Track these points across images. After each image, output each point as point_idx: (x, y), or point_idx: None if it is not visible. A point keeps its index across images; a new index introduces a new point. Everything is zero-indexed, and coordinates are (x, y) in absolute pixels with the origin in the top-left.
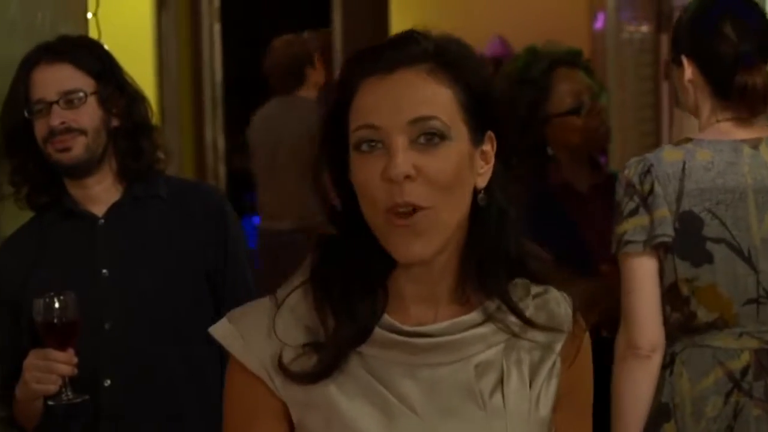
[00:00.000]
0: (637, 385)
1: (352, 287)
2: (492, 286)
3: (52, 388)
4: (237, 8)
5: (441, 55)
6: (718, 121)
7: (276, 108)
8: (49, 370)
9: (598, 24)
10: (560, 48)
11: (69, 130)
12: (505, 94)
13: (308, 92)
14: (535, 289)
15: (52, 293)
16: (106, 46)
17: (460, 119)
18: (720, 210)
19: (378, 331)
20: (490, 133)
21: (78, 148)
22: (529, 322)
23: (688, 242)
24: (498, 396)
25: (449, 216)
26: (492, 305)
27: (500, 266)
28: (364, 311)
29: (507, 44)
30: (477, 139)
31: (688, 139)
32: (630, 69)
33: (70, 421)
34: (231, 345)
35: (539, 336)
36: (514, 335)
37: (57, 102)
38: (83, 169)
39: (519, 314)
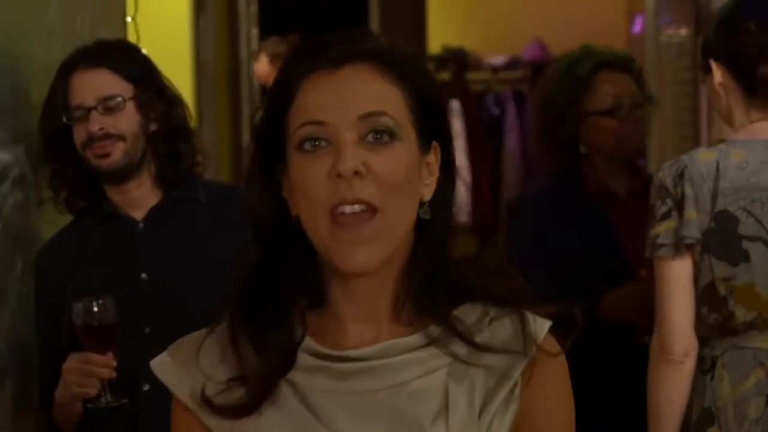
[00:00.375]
0: (672, 390)
1: (269, 313)
2: (431, 306)
3: (92, 391)
4: (274, 13)
5: (390, 53)
6: (751, 122)
7: None
8: (88, 373)
9: (637, 27)
10: (615, 51)
11: (108, 136)
12: (542, 92)
13: None
14: (495, 311)
15: (91, 297)
16: (144, 50)
17: (409, 121)
18: (755, 208)
19: (302, 356)
20: (435, 144)
21: (117, 153)
22: (478, 346)
23: (724, 241)
24: (441, 425)
25: (397, 222)
26: (437, 328)
27: (440, 286)
28: (282, 337)
29: (545, 47)
30: (424, 147)
31: (721, 141)
32: (668, 72)
33: (108, 424)
34: (166, 377)
35: (494, 361)
36: (460, 360)
37: (95, 108)
38: (122, 174)
39: (465, 338)
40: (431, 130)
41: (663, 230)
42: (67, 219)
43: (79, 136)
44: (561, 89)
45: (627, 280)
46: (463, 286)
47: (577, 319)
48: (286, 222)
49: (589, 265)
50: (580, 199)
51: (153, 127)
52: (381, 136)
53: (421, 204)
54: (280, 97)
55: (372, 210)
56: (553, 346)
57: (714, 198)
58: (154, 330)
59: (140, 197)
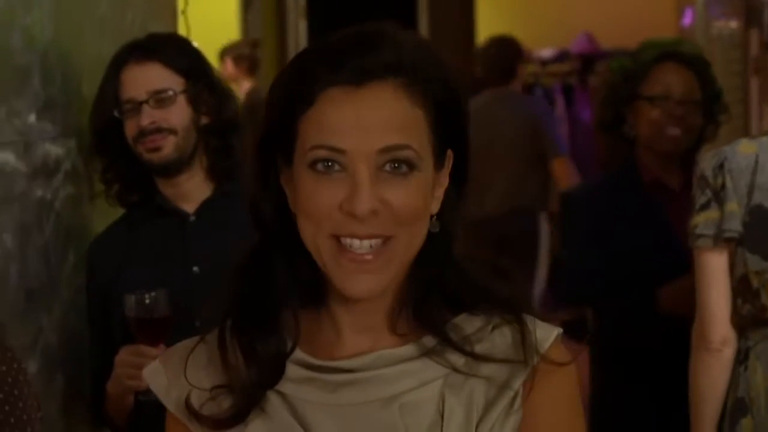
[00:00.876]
0: (711, 377)
1: (260, 316)
2: (426, 316)
3: (143, 384)
4: (322, 5)
5: (416, 67)
6: None
7: (489, 101)
8: (140, 366)
9: (686, 20)
10: (685, 46)
11: (159, 130)
12: (608, 72)
13: (517, 86)
14: (498, 319)
15: (143, 289)
16: (195, 44)
17: (429, 144)
18: None
19: (291, 367)
20: (449, 153)
21: (168, 147)
22: (475, 357)
23: (757, 236)
24: None
25: (407, 249)
26: (432, 339)
27: (439, 295)
28: (272, 346)
29: (594, 40)
30: (439, 164)
31: (766, 132)
32: (719, 65)
33: (159, 417)
34: (155, 385)
35: (494, 371)
36: (458, 370)
37: (147, 101)
38: (173, 168)
39: (460, 349)
40: (448, 140)
41: (702, 221)
42: (118, 212)
43: (130, 130)
44: (622, 69)
45: (683, 272)
46: (466, 293)
47: (588, 325)
48: (284, 210)
49: (645, 257)
50: (635, 192)
51: (204, 120)
52: (400, 166)
53: (431, 216)
54: (292, 100)
55: (384, 238)
56: (561, 354)
57: (750, 192)
58: (205, 324)
59: (192, 190)
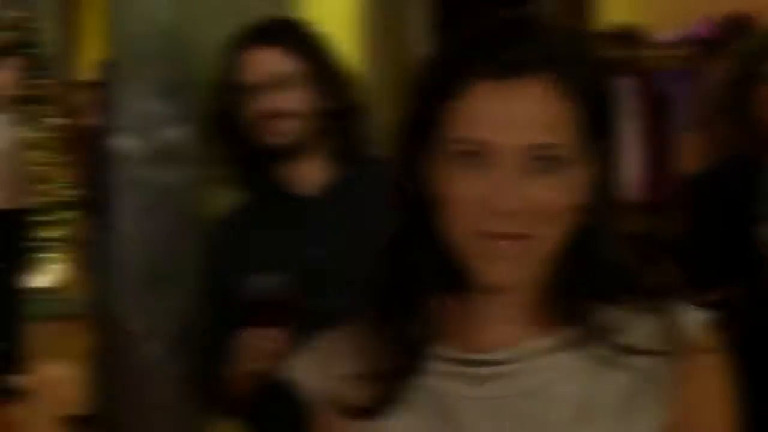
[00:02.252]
0: None
1: (402, 306)
2: (573, 306)
3: (267, 368)
4: None
5: (569, 61)
6: None
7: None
8: (264, 350)
9: None
10: None
11: (279, 114)
12: (732, 53)
13: None
14: (644, 307)
15: (264, 273)
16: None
17: (577, 139)
18: None
19: (436, 360)
20: (597, 143)
21: (289, 131)
22: (620, 348)
23: None
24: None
25: (549, 245)
26: (578, 329)
27: (582, 288)
28: (413, 335)
29: (715, 26)
30: (587, 155)
31: None
32: None
33: (281, 401)
34: (299, 378)
35: (639, 362)
36: (602, 362)
37: (268, 86)
38: (294, 152)
39: (606, 340)
40: (597, 132)
41: None
42: (238, 196)
43: (251, 113)
44: (746, 50)
45: None
46: (613, 283)
47: (740, 304)
48: (424, 194)
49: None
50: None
51: (325, 104)
52: (547, 164)
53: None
54: (440, 90)
55: (523, 236)
56: (710, 341)
57: None
58: (325, 307)
59: (312, 174)
